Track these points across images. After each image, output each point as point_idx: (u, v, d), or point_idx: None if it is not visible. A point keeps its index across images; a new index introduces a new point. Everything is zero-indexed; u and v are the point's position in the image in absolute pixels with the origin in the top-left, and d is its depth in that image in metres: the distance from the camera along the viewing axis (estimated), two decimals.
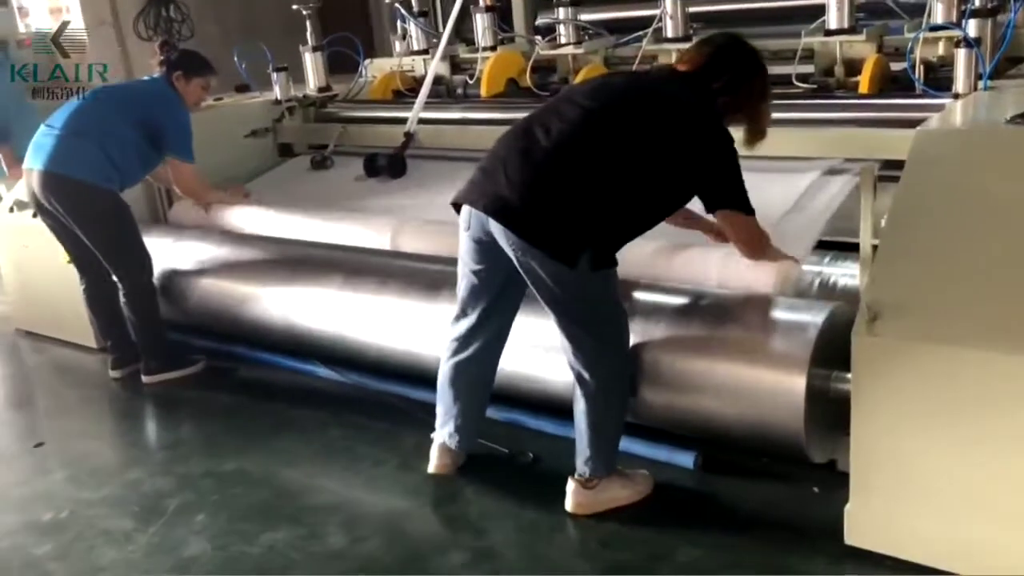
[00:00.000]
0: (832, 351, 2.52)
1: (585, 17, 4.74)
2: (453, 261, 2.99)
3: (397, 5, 5.34)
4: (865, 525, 2.41)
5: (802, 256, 2.94)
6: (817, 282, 2.97)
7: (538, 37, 5.20)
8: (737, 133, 2.72)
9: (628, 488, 2.76)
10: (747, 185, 2.73)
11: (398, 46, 5.63)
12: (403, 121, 4.67)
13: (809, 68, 4.14)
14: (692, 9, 4.39)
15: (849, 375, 2.44)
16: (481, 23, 5.01)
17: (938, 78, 3.65)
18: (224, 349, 4.19)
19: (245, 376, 4.05)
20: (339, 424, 3.49)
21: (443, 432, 2.98)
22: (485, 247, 2.66)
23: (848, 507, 2.44)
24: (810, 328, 2.50)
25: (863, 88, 3.82)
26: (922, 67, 3.65)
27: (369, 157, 4.51)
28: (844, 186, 3.28)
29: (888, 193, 3.29)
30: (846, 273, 2.97)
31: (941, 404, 2.23)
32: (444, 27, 5.30)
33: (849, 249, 3.12)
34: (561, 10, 4.70)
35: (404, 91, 5.25)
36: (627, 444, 3.00)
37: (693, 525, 2.69)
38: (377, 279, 3.59)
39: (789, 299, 2.73)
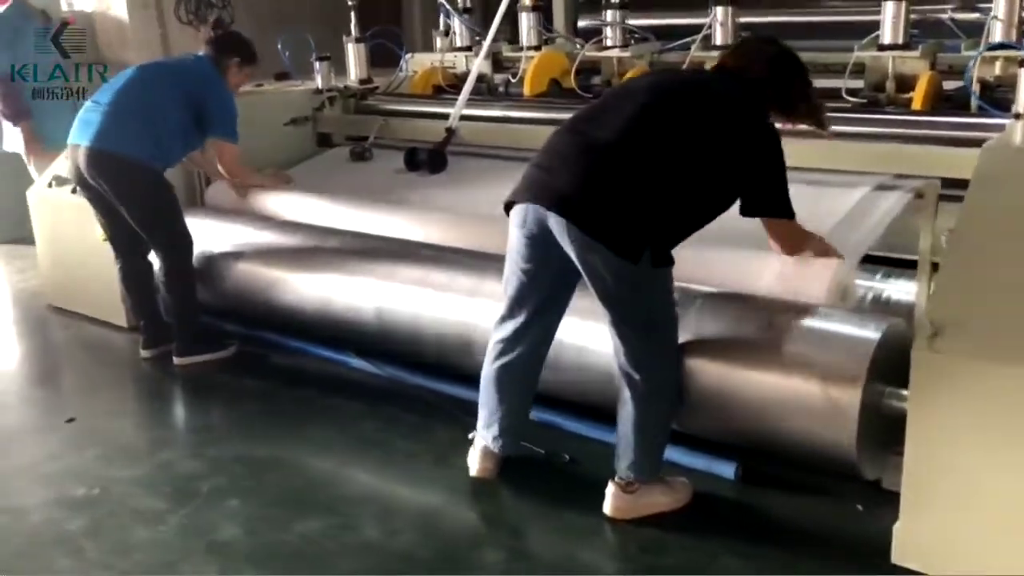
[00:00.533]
0: (887, 367, 2.49)
1: (632, 22, 4.70)
2: (495, 256, 2.96)
3: (442, 1, 5.32)
4: (915, 544, 2.37)
5: (850, 265, 2.90)
6: (870, 296, 2.92)
7: (578, 40, 5.19)
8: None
9: (668, 495, 2.73)
10: (798, 197, 2.72)
11: (439, 42, 5.61)
12: (444, 117, 4.66)
13: (859, 83, 4.10)
14: (742, 20, 4.36)
15: (903, 391, 2.41)
16: (526, 22, 4.99)
17: (995, 98, 3.62)
18: (256, 335, 4.18)
19: (277, 363, 4.03)
20: (373, 416, 3.46)
21: (487, 434, 2.92)
22: (540, 245, 2.61)
23: (897, 525, 2.40)
24: (867, 342, 2.46)
25: (916, 104, 3.78)
26: (979, 86, 3.62)
27: (410, 151, 4.49)
28: (897, 201, 3.24)
29: (943, 211, 3.30)
30: (899, 289, 2.93)
31: (1001, 423, 2.19)
32: (488, 24, 5.31)
33: (901, 265, 3.07)
34: (608, 12, 4.67)
35: (445, 87, 5.24)
36: (666, 452, 2.99)
37: (735, 535, 2.65)
38: (418, 270, 3.57)
39: (844, 312, 2.69)
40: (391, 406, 3.52)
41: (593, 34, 4.99)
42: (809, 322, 2.63)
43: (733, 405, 2.65)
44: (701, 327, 2.74)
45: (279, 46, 5.15)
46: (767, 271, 2.86)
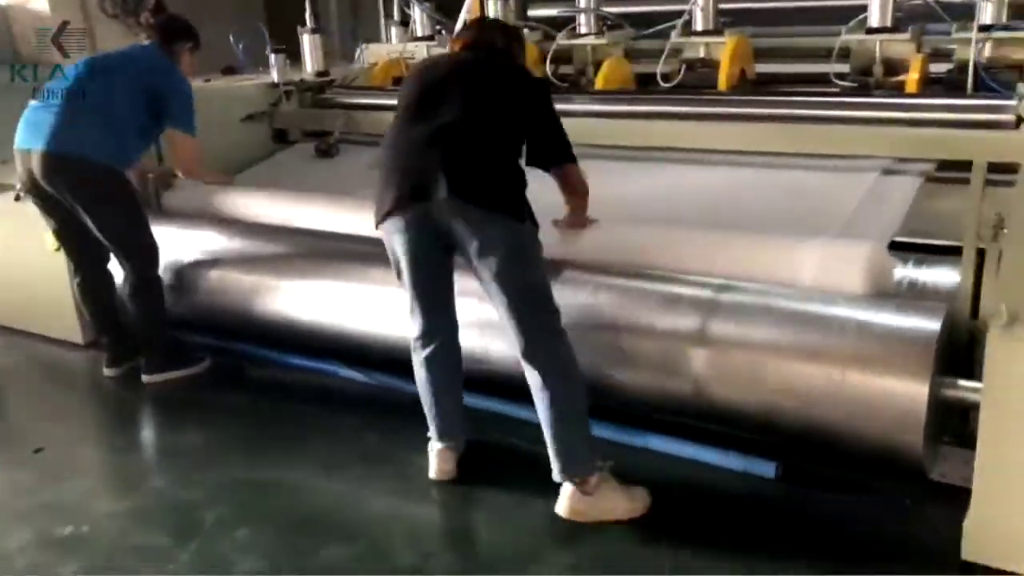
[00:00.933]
0: (943, 357, 2.41)
1: (606, 8, 4.58)
2: None
3: None
4: (988, 539, 2.29)
5: (883, 250, 2.83)
6: (906, 283, 2.86)
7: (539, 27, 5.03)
8: None
9: (627, 502, 2.62)
10: (807, 183, 2.92)
11: (395, 32, 5.39)
12: None
13: (844, 67, 4.06)
14: (723, 6, 4.28)
15: (963, 382, 2.35)
16: (492, 10, 4.81)
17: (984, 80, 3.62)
18: (230, 347, 3.90)
19: (257, 376, 3.77)
20: (374, 428, 3.24)
21: (436, 434, 2.88)
22: (426, 242, 2.63)
23: (967, 521, 2.32)
24: (928, 334, 2.37)
25: (910, 88, 3.76)
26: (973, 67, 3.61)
27: None
28: (912, 185, 3.20)
29: (958, 194, 3.26)
30: (933, 276, 2.86)
31: None
32: (445, 13, 5.14)
33: (921, 251, 3.01)
34: None
35: None
36: (697, 452, 2.88)
37: (784, 537, 2.54)
38: None
39: (895, 299, 2.60)
40: (391, 417, 3.30)
41: (549, 23, 4.84)
42: (861, 313, 2.53)
43: (786, 403, 2.53)
44: (750, 319, 2.62)
45: (231, 38, 4.85)
46: (804, 262, 2.75)
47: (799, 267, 2.75)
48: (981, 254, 2.61)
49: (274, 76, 4.80)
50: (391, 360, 3.41)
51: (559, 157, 2.88)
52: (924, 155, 3.34)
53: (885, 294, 2.68)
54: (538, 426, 2.65)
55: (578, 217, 3.08)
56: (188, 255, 3.83)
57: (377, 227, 2.72)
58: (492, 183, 2.58)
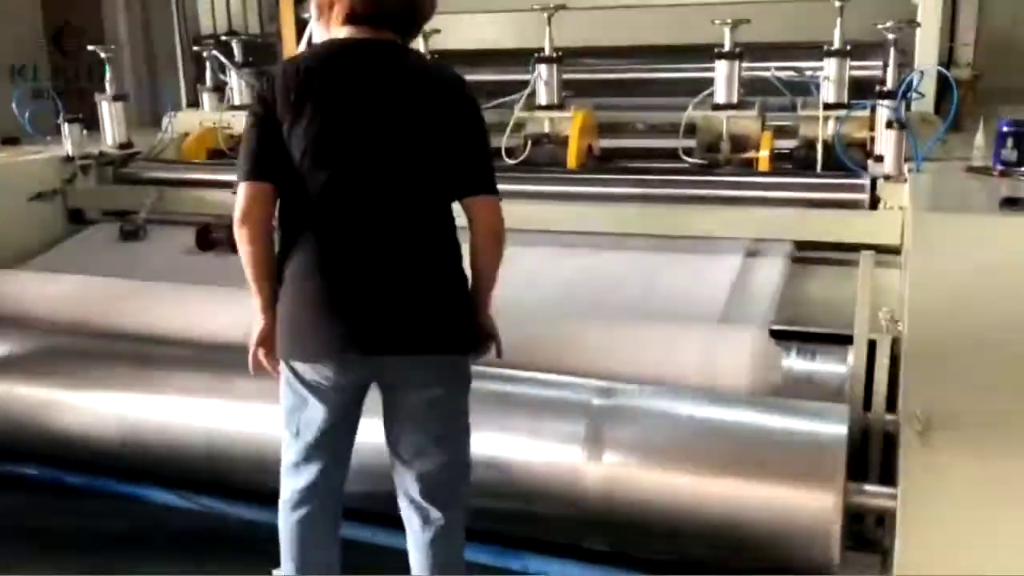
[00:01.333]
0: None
1: None
2: None
3: (215, 53, 4.65)
4: None
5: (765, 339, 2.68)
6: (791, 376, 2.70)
7: None
8: None
9: None
10: (673, 267, 2.75)
11: (207, 99, 4.91)
12: (230, 185, 4.03)
13: (690, 142, 3.99)
14: (567, 76, 4.12)
15: (877, 488, 2.20)
16: None
17: (836, 158, 3.61)
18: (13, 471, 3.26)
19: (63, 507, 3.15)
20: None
21: None
22: (349, 392, 2.13)
23: None
24: (836, 438, 2.20)
25: (762, 166, 3.71)
26: (821, 147, 3.61)
27: (203, 227, 3.80)
28: (781, 268, 3.11)
29: (818, 276, 3.20)
30: (817, 367, 2.73)
31: (1000, 517, 2.01)
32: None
33: (802, 339, 2.89)
34: None
35: (227, 150, 4.56)
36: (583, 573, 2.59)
37: None
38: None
39: (789, 401, 2.43)
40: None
41: None
42: (753, 415, 2.34)
43: (685, 518, 2.29)
44: (632, 424, 2.37)
45: (13, 104, 4.23)
46: (687, 353, 2.56)
47: (682, 360, 2.55)
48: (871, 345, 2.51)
49: (68, 149, 4.22)
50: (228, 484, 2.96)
51: (478, 185, 2.10)
52: (786, 236, 3.26)
53: (775, 389, 2.52)
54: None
55: (484, 298, 2.19)
56: None
57: (285, 361, 2.12)
58: (450, 314, 2.09)
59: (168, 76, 7.84)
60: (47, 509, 3.12)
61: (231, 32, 5.60)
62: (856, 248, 3.19)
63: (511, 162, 4.01)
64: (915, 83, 3.37)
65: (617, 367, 2.59)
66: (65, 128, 4.20)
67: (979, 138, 3.19)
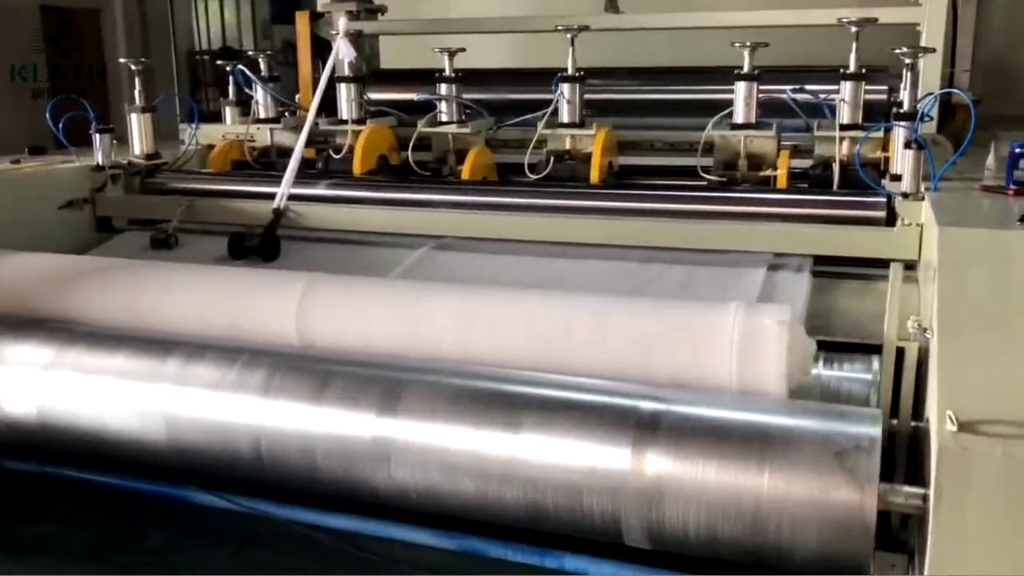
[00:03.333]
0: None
1: (468, 96, 4.46)
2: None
3: (241, 68, 4.76)
4: None
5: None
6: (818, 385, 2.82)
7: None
8: None
9: None
10: (698, 278, 2.77)
11: (230, 113, 5.01)
12: (255, 196, 4.20)
13: (708, 160, 4.12)
14: (588, 96, 4.26)
15: (910, 489, 2.30)
16: (346, 94, 4.57)
17: (847, 177, 3.76)
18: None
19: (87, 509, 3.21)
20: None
21: None
22: None
23: None
24: (871, 440, 2.31)
25: (780, 183, 3.84)
26: (838, 166, 3.74)
27: (235, 236, 3.88)
28: (804, 281, 3.22)
29: (837, 288, 3.32)
30: (844, 375, 2.85)
31: None
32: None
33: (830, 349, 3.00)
34: (443, 86, 4.40)
35: (252, 162, 4.67)
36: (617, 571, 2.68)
37: None
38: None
39: (821, 405, 2.54)
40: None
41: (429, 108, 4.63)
42: (789, 419, 2.44)
43: (725, 523, 2.38)
44: (666, 433, 2.46)
45: (47, 114, 4.31)
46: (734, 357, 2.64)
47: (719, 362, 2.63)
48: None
49: (98, 158, 4.31)
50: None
51: None
52: (807, 251, 3.38)
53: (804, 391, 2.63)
54: None
55: None
56: None
57: None
58: None
59: (163, 88, 7.94)
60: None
61: (225, 48, 5.72)
62: (871, 263, 3.34)
63: (534, 177, 4.14)
64: (928, 107, 3.51)
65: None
66: (96, 139, 4.28)
67: (991, 159, 3.35)
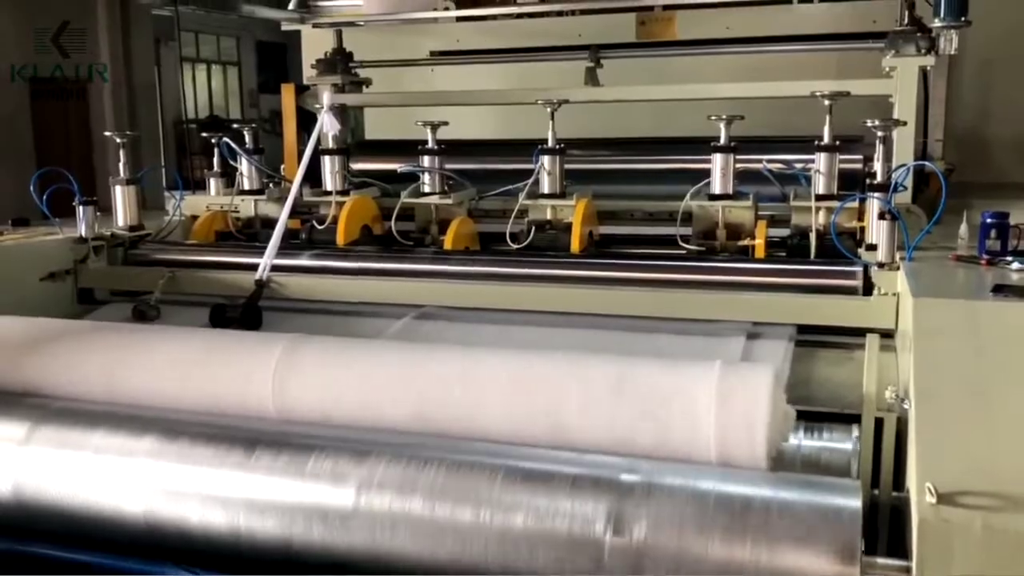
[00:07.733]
0: None
1: (451, 166, 4.52)
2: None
3: (226, 140, 4.81)
4: None
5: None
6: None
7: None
8: None
9: None
10: (677, 348, 2.82)
11: (214, 183, 5.04)
12: (238, 267, 4.21)
13: (686, 230, 4.17)
14: (568, 166, 4.33)
15: (891, 561, 2.29)
16: (329, 166, 4.63)
17: (823, 246, 3.82)
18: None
19: None
20: None
21: None
22: None
23: None
24: (852, 512, 2.30)
25: (758, 253, 3.89)
26: (814, 235, 3.80)
27: (217, 307, 3.89)
28: (784, 350, 3.24)
29: (816, 357, 3.34)
30: (825, 445, 2.86)
31: None
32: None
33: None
34: (426, 158, 4.46)
35: (235, 233, 4.70)
36: None
37: None
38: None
39: (802, 476, 2.54)
40: None
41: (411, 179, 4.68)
42: (770, 490, 2.44)
43: None
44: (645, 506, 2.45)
45: (31, 187, 4.34)
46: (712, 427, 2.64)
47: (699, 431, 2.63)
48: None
49: (81, 230, 4.33)
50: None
51: None
52: (784, 320, 3.42)
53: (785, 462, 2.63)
54: None
55: None
56: None
57: None
58: None
59: (150, 156, 7.97)
60: None
61: (212, 116, 5.79)
62: (849, 332, 3.37)
63: (516, 247, 4.19)
64: (902, 178, 3.59)
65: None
66: (80, 210, 4.31)
67: (963, 229, 3.41)
